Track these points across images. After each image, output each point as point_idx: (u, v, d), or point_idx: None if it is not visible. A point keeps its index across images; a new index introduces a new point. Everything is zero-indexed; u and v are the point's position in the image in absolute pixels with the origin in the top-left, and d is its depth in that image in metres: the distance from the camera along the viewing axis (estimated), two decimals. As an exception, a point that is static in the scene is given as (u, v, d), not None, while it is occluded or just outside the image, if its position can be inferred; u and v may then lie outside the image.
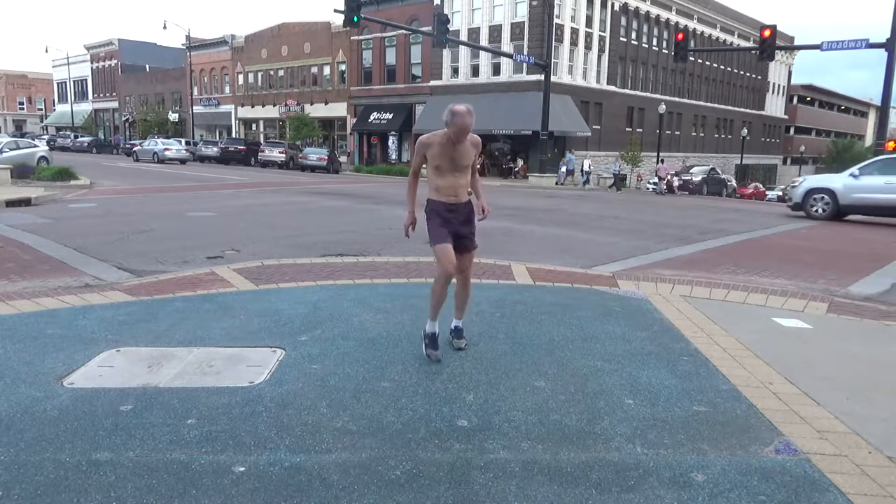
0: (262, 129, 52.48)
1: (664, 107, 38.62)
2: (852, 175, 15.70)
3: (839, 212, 15.96)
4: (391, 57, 41.97)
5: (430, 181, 4.16)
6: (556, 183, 31.57)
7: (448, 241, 4.05)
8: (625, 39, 41.18)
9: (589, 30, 38.12)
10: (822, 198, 16.11)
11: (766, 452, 3.04)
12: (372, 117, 42.20)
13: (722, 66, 51.62)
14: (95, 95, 70.72)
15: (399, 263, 7.47)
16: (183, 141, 46.03)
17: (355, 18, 21.97)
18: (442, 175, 4.07)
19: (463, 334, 4.45)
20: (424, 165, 4.18)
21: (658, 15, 43.63)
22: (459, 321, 4.46)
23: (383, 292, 5.98)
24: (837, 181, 16.17)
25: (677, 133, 47.08)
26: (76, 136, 58.18)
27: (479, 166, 4.45)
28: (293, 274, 6.72)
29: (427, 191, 4.19)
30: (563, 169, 32.96)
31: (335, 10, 22.48)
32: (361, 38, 42.73)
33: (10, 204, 13.48)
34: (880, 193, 15.18)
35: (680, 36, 26.89)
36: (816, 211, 16.21)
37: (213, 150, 41.20)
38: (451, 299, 4.32)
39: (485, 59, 37.26)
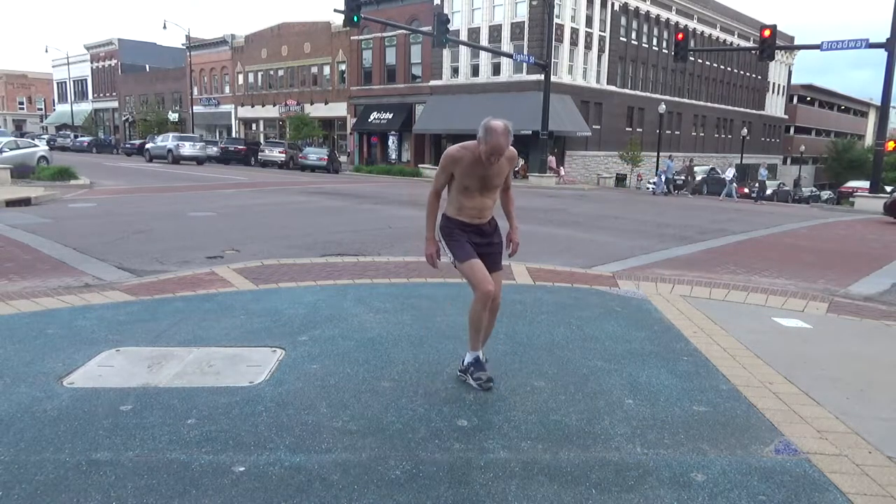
0: (262, 128, 52.42)
1: (664, 107, 38.56)
2: None
3: None
4: (391, 57, 41.91)
5: (451, 198, 3.64)
6: (654, 194, 26.74)
7: (475, 256, 3.56)
8: (625, 39, 41.12)
9: (589, 30, 38.07)
10: None
11: (766, 452, 3.04)
12: (372, 117, 42.16)
13: (722, 66, 51.54)
14: (95, 95, 70.62)
15: (399, 263, 7.46)
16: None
17: (355, 18, 21.94)
18: (469, 196, 3.57)
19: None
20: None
21: (658, 15, 43.58)
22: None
23: (383, 292, 5.98)
24: None
25: (677, 133, 47.01)
26: (76, 136, 58.12)
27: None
28: (293, 274, 6.72)
29: (446, 207, 3.69)
30: (663, 178, 28.35)
31: (335, 10, 22.45)
32: (361, 37, 42.68)
33: (10, 204, 13.47)
34: None
35: (680, 36, 26.88)
36: None
37: (213, 150, 41.18)
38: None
39: (485, 59, 37.21)
